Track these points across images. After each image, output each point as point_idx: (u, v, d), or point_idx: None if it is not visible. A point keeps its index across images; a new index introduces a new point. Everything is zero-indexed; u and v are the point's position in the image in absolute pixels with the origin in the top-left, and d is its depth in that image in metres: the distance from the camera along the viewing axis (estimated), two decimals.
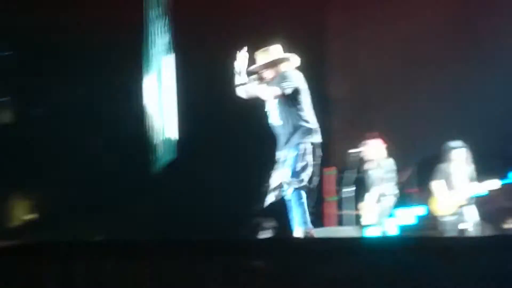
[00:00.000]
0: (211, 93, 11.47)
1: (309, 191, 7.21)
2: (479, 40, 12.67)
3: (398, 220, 10.94)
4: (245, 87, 7.43)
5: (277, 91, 7.28)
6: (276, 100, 7.35)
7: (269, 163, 7.33)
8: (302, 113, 7.32)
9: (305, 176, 7.17)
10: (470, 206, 9.95)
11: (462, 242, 5.91)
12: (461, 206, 9.95)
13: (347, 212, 10.46)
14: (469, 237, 9.34)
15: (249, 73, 7.46)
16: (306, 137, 7.24)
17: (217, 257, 5.04)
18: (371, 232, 9.96)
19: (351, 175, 10.31)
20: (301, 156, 7.17)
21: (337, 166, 11.48)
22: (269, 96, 7.38)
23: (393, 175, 10.06)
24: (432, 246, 5.56)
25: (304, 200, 7.13)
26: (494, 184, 9.96)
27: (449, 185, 10.08)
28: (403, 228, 10.94)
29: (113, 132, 11.63)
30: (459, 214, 9.96)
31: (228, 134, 11.80)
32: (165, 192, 11.59)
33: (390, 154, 10.20)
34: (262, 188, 7.23)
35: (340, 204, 10.76)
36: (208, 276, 4.97)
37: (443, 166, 10.11)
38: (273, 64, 7.48)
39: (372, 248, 5.30)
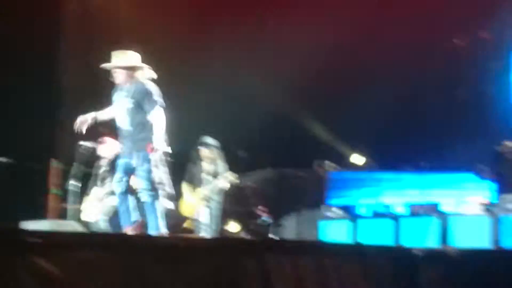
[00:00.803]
0: None
1: (162, 198, 7.53)
2: (236, 45, 13.18)
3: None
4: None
5: (132, 102, 7.45)
6: (129, 109, 7.48)
7: None
8: (148, 125, 7.48)
9: (158, 184, 7.45)
10: (214, 205, 9.99)
11: (193, 243, 5.83)
12: (205, 206, 9.96)
13: (70, 206, 10.07)
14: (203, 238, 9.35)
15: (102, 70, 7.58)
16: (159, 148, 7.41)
17: None
18: (94, 228, 9.70)
19: (78, 168, 9.93)
20: (154, 165, 7.39)
21: (65, 158, 11.09)
22: (123, 105, 7.51)
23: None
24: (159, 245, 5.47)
25: (157, 206, 7.41)
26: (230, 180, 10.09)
27: (196, 184, 10.07)
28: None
29: None
30: (202, 214, 9.96)
31: None
32: None
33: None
34: None
35: (65, 197, 10.35)
36: None
37: (191, 165, 10.08)
38: (128, 69, 7.56)
39: (93, 244, 5.13)
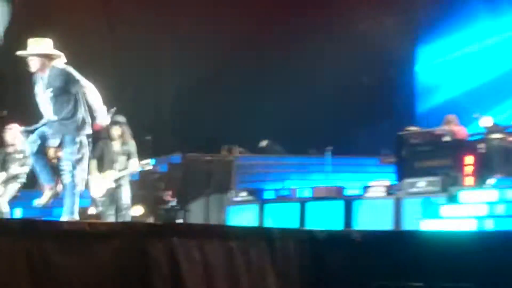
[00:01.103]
0: None
1: (82, 183, 7.47)
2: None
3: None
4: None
5: (52, 90, 7.37)
6: (51, 98, 7.39)
7: None
8: (76, 108, 7.43)
9: (81, 168, 7.41)
10: (124, 187, 9.75)
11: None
12: (114, 187, 9.72)
13: None
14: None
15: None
16: (81, 131, 7.42)
17: None
18: None
19: None
20: (78, 149, 7.38)
21: None
22: (45, 95, 7.41)
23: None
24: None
25: (77, 191, 7.37)
26: (146, 165, 9.93)
27: (106, 164, 9.81)
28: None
29: None
30: (111, 195, 9.72)
31: None
32: None
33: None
34: None
35: None
36: None
37: (98, 143, 9.75)
38: (44, 56, 7.46)
39: None
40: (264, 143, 15.70)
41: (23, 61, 7.57)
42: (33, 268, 5.01)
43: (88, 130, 7.56)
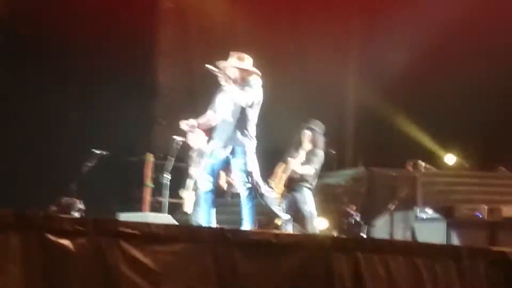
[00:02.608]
0: None
1: (258, 194, 7.61)
2: None
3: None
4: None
5: (250, 98, 7.49)
6: (233, 110, 7.54)
7: None
8: (252, 123, 7.58)
9: (255, 180, 7.54)
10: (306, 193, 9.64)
11: None
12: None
13: (164, 199, 10.26)
14: None
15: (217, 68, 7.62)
16: (252, 144, 7.55)
17: None
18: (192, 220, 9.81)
19: (171, 162, 10.09)
20: (250, 161, 7.49)
21: (157, 152, 11.32)
22: (228, 107, 7.58)
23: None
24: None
25: (254, 202, 7.52)
26: None
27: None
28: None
29: None
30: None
31: None
32: None
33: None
34: None
35: (157, 190, 10.56)
36: None
37: (292, 149, 9.74)
38: (244, 71, 7.64)
39: (186, 237, 5.21)
40: (450, 159, 15.25)
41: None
42: (222, 275, 5.14)
43: (255, 144, 7.64)
